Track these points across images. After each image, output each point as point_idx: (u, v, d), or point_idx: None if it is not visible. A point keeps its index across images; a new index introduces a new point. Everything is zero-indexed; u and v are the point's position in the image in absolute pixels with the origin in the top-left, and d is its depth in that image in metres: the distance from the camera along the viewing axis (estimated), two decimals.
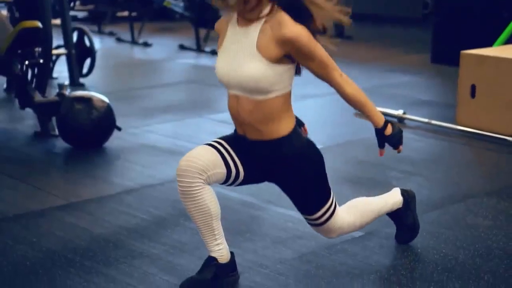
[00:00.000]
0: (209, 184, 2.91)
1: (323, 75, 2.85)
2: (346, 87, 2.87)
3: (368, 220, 3.26)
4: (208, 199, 2.90)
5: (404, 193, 3.42)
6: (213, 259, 3.01)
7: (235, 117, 2.92)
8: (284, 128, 2.88)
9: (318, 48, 2.78)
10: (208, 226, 2.95)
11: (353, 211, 3.19)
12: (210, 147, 2.92)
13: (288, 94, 2.88)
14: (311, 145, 2.98)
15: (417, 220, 3.45)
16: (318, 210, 3.02)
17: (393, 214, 3.40)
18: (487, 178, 4.48)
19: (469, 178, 4.48)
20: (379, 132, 3.00)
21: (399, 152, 3.07)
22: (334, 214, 3.06)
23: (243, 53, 2.79)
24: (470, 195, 4.13)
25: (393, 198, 3.37)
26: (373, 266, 3.26)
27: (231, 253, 3.08)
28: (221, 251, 3.02)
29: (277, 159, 2.93)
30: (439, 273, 3.18)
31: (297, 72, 2.89)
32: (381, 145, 3.03)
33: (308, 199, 3.02)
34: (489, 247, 3.44)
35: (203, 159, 2.87)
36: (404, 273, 3.19)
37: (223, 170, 2.91)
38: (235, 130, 3.00)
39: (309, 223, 3.12)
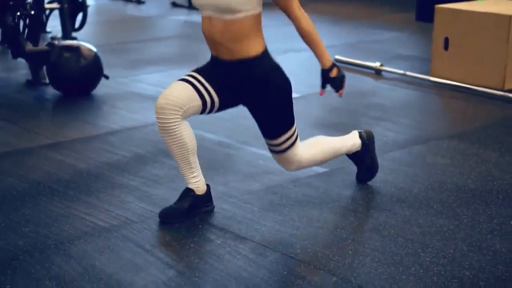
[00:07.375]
0: (186, 118, 3.15)
1: (283, 5, 3.07)
2: (303, 20, 3.09)
3: (326, 157, 3.47)
4: (185, 134, 3.14)
5: (362, 134, 3.63)
6: (190, 190, 3.27)
7: (209, 38, 3.14)
8: (254, 48, 3.09)
9: None
10: (185, 160, 3.20)
11: (313, 146, 3.42)
12: (184, 82, 3.15)
13: (258, 16, 3.07)
14: (279, 70, 3.17)
15: (376, 160, 3.66)
16: (280, 135, 3.23)
17: (353, 156, 3.63)
18: (452, 124, 4.74)
19: (435, 123, 4.73)
20: (324, 73, 3.21)
21: (340, 95, 3.28)
22: (295, 145, 3.29)
23: None
24: (433, 138, 4.39)
25: (351, 140, 3.58)
26: (333, 197, 3.53)
27: (207, 185, 3.33)
28: (197, 183, 3.27)
29: (247, 80, 3.14)
30: (392, 202, 3.45)
31: None
32: (323, 85, 3.24)
33: (272, 123, 3.23)
34: (443, 182, 3.71)
35: (178, 95, 3.10)
36: (361, 202, 3.46)
37: (199, 102, 3.13)
38: (211, 56, 3.22)
39: (271, 150, 3.34)
